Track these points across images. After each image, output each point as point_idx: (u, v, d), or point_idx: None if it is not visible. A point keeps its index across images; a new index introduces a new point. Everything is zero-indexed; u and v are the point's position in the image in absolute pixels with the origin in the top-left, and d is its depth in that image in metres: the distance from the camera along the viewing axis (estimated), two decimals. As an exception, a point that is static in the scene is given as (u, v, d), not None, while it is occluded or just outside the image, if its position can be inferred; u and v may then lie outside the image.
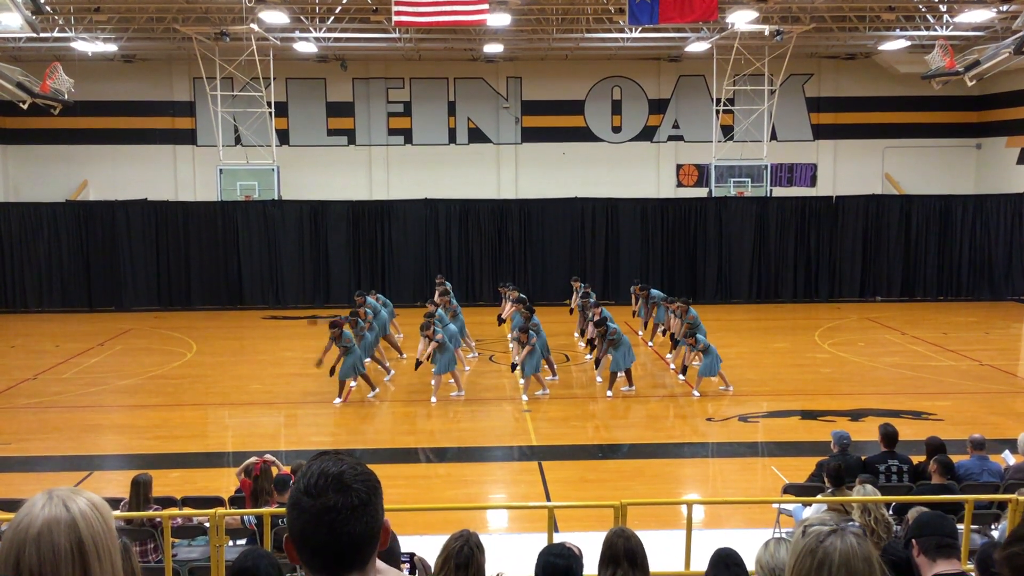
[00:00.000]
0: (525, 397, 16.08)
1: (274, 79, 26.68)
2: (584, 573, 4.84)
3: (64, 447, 13.70)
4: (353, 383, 16.46)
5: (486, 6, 18.51)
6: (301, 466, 8.36)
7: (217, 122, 26.60)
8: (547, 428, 14.46)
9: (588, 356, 18.87)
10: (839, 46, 27.88)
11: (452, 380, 16.33)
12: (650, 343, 20.45)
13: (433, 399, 15.87)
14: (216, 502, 8.76)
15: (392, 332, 19.86)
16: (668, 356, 18.85)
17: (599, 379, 17.35)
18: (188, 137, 30.17)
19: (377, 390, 16.40)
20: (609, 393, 16.25)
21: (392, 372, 17.77)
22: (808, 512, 8.57)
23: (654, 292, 20.73)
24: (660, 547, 7.38)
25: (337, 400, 15.89)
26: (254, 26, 22.41)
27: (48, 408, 15.75)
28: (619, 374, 16.25)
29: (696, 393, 16.14)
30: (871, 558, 2.19)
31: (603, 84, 30.74)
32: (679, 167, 31.11)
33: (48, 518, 1.84)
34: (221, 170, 26.88)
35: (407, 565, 5.20)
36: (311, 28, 24.18)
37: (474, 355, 19.41)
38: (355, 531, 1.97)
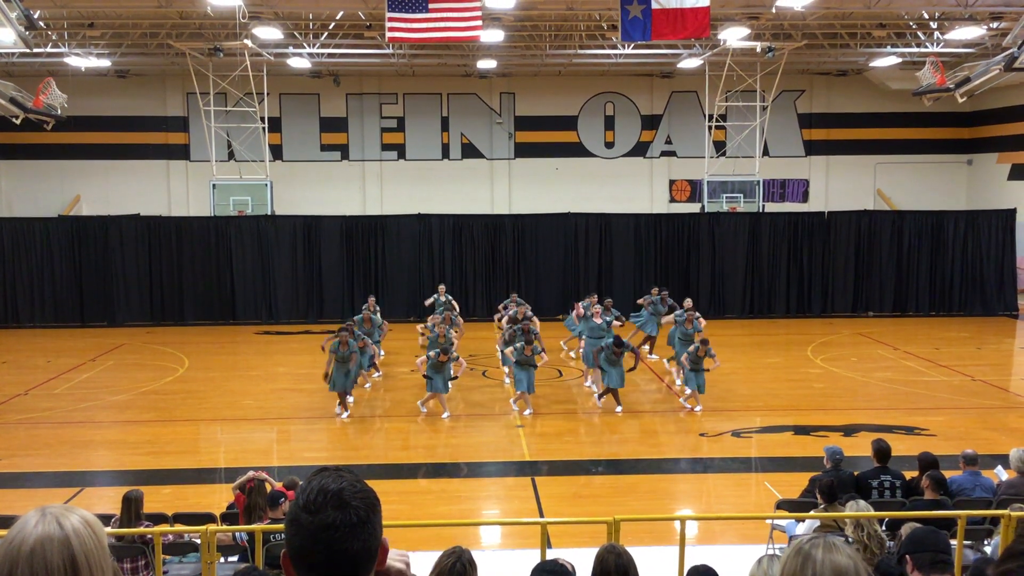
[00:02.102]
0: (517, 407, 16.18)
1: (268, 94, 26.73)
2: (577, 589, 4.83)
3: (55, 463, 13.63)
4: (350, 397, 16.38)
5: (479, 22, 18.57)
6: (294, 482, 8.33)
7: (210, 137, 26.62)
8: (540, 444, 14.43)
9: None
10: (831, 62, 28.05)
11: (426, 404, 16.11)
12: (652, 355, 20.46)
13: (446, 414, 15.87)
14: (208, 518, 8.72)
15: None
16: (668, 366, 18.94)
17: (590, 384, 17.47)
18: (181, 152, 30.20)
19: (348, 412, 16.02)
20: (599, 402, 16.32)
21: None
22: (802, 528, 8.57)
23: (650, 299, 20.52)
24: (654, 563, 7.38)
25: (343, 413, 15.84)
26: (248, 42, 22.45)
27: (39, 424, 15.68)
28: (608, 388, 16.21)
29: (697, 408, 16.11)
30: (861, 572, 2.20)
31: (596, 100, 30.88)
32: (672, 183, 31.23)
33: (41, 535, 1.83)
34: (214, 185, 26.87)
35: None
36: (305, 44, 24.26)
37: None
38: (353, 549, 1.96)
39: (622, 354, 16.03)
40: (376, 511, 2.03)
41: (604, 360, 16.09)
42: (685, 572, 4.94)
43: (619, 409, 16.13)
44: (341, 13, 22.02)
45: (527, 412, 16.01)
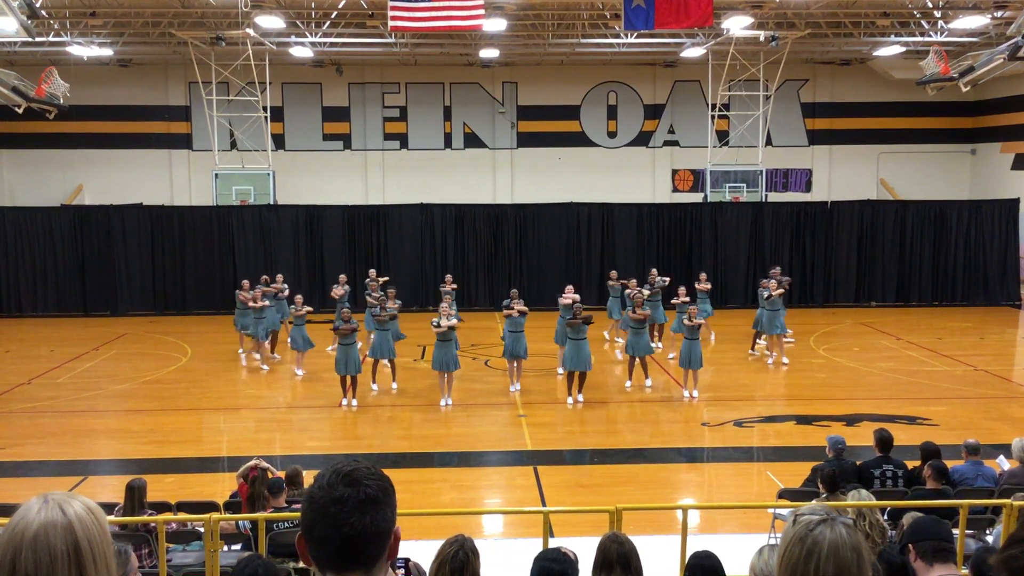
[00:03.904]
0: (516, 387, 16.51)
1: (270, 84, 26.68)
2: (579, 578, 4.84)
3: (59, 452, 13.67)
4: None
5: (482, 11, 18.53)
6: (297, 471, 8.32)
7: (213, 127, 26.58)
8: (542, 433, 14.45)
9: None
10: (834, 52, 27.95)
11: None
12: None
13: (447, 401, 15.92)
14: (211, 507, 8.74)
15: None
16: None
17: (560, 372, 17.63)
18: (184, 142, 30.17)
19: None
20: (569, 400, 16.02)
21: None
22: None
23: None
24: (655, 552, 7.39)
25: (351, 401, 16.00)
26: (250, 31, 22.40)
27: (43, 413, 15.71)
28: (574, 374, 15.98)
29: (693, 394, 16.13)
30: (860, 548, 2.19)
31: (599, 89, 30.80)
32: (674, 172, 31.17)
33: (44, 522, 1.83)
34: (217, 175, 26.85)
35: (402, 571, 5.20)
36: (307, 33, 24.20)
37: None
38: (358, 525, 1.96)
39: (582, 328, 15.72)
40: (388, 493, 2.04)
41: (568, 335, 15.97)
42: (687, 560, 4.93)
43: (579, 398, 15.99)
44: (343, 2, 21.95)
45: (513, 388, 16.46)
